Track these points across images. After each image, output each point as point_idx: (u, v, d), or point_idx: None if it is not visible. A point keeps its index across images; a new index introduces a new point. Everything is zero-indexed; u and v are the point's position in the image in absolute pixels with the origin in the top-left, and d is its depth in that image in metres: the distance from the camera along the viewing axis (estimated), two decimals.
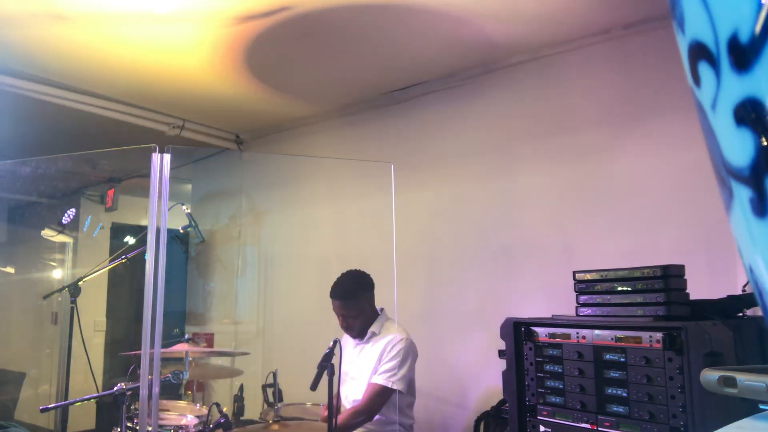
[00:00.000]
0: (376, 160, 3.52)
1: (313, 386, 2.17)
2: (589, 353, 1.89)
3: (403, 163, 3.35)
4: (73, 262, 5.76)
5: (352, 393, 2.77)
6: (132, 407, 2.50)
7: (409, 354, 2.69)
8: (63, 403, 2.61)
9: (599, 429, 1.84)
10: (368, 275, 2.83)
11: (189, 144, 4.25)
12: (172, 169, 2.27)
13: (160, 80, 3.37)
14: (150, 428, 2.15)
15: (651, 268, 1.86)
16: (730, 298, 1.92)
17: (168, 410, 2.91)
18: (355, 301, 2.77)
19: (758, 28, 0.40)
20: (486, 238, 3.13)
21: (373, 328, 2.79)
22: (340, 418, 2.53)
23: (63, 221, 5.57)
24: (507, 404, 2.15)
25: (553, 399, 1.98)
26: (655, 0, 2.41)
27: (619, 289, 1.93)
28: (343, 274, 2.82)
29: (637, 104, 2.69)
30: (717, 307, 1.86)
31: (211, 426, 2.52)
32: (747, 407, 1.27)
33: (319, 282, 3.96)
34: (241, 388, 3.19)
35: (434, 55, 3.07)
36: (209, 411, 2.74)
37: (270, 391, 2.83)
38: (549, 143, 2.95)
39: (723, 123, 0.44)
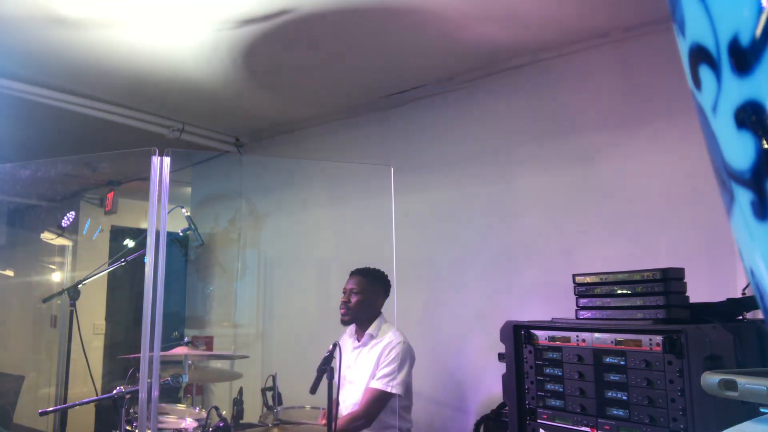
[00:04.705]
0: (375, 163, 3.52)
1: (313, 389, 2.17)
2: (588, 356, 1.89)
3: (402, 166, 3.34)
4: (72, 265, 5.76)
5: (350, 397, 2.77)
6: (131, 410, 2.49)
7: (407, 357, 2.69)
8: (62, 406, 2.60)
9: None
10: (390, 281, 2.91)
11: (189, 147, 4.25)
12: (171, 172, 2.27)
13: (160, 83, 3.37)
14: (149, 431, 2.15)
15: (651, 271, 1.86)
16: (731, 301, 1.92)
17: (167, 413, 2.91)
18: (370, 284, 2.84)
19: (759, 31, 0.40)
20: (486, 241, 3.13)
21: (370, 330, 2.80)
22: (339, 423, 2.52)
23: (62, 224, 5.57)
24: (507, 408, 2.15)
25: (553, 402, 1.98)
26: (655, 3, 2.41)
27: (619, 292, 1.92)
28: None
29: (636, 107, 2.69)
30: (717, 310, 1.86)
31: (210, 429, 2.52)
32: (747, 410, 1.26)
33: (318, 285, 3.97)
34: (241, 391, 3.17)
35: (434, 59, 3.08)
36: (208, 414, 2.73)
37: (269, 394, 2.82)
38: (548, 146, 2.95)
39: (724, 126, 0.44)
